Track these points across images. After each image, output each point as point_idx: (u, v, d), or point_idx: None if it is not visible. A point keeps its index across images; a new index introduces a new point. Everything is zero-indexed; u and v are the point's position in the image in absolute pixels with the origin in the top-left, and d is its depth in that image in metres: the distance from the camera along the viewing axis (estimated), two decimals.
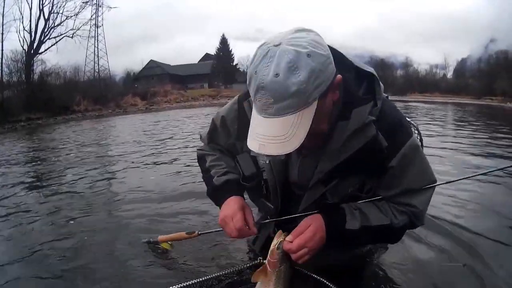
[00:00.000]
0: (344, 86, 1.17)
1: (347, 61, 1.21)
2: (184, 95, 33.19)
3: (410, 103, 19.63)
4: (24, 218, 2.64)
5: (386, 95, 1.32)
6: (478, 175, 1.72)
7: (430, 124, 9.57)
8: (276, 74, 0.94)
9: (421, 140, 1.93)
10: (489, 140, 6.72)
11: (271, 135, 1.01)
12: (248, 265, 1.44)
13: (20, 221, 2.59)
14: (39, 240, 2.16)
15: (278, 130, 1.00)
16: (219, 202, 1.44)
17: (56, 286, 1.71)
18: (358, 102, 1.17)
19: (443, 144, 5.97)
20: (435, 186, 1.31)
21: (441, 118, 12.12)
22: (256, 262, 1.24)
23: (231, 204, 1.38)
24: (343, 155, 1.20)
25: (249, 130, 1.07)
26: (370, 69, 1.22)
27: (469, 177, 1.66)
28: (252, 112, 1.07)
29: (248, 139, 1.06)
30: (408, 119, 1.73)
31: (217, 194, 1.47)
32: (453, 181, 1.58)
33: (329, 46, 1.11)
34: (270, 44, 0.98)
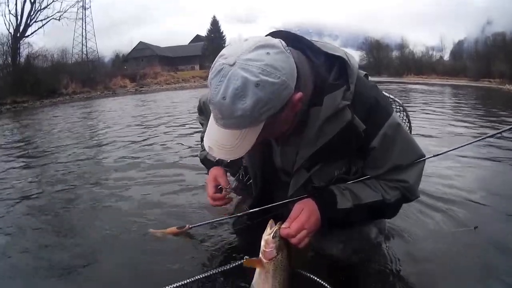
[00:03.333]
0: (314, 72, 1.19)
1: (315, 48, 1.21)
2: (174, 77, 32.69)
3: (408, 85, 19.73)
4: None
5: (365, 73, 1.33)
6: (464, 145, 1.72)
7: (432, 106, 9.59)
8: (224, 97, 0.97)
9: (407, 116, 1.95)
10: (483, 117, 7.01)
11: (219, 143, 1.08)
12: (235, 264, 1.38)
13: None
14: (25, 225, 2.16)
15: (225, 140, 1.06)
16: (207, 170, 1.67)
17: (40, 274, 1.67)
18: (329, 89, 1.17)
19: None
20: (423, 160, 1.31)
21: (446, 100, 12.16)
22: (242, 261, 1.21)
23: (208, 180, 1.57)
24: (320, 141, 1.21)
25: (207, 129, 1.14)
26: (340, 53, 1.21)
27: (456, 148, 1.67)
28: None
29: (204, 136, 1.14)
30: (392, 97, 1.83)
31: (205, 163, 1.70)
32: (441, 154, 1.57)
33: (296, 35, 1.21)
34: (226, 60, 0.99)
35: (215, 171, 1.60)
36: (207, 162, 1.68)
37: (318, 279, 1.26)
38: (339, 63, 1.21)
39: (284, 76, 1.01)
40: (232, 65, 0.97)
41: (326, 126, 1.18)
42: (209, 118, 1.48)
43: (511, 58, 24.94)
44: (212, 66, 1.03)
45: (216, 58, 1.03)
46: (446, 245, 1.81)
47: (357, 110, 1.19)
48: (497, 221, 2.08)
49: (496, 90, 18.43)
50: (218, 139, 1.09)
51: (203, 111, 1.70)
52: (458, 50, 39.44)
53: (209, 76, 1.04)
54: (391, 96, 1.80)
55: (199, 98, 1.71)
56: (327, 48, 1.22)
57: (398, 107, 1.92)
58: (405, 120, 1.94)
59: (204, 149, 1.52)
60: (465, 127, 5.93)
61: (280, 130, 1.20)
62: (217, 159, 1.56)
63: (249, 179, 1.54)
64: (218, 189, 1.53)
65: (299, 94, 1.07)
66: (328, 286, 1.23)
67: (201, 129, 1.80)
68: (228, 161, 1.48)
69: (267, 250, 1.14)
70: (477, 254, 1.70)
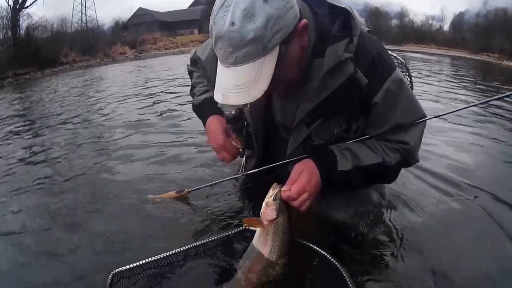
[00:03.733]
0: (317, 22, 1.16)
1: None
2: (173, 42, 32.04)
3: (407, 53, 19.28)
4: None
5: (368, 29, 1.29)
6: (465, 108, 1.74)
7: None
8: (232, 23, 0.93)
9: (409, 76, 1.89)
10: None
11: (232, 85, 1.00)
12: (236, 230, 1.38)
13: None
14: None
15: (239, 79, 0.98)
16: (201, 119, 1.56)
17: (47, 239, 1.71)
18: (331, 40, 1.13)
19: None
20: (425, 120, 1.27)
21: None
22: (242, 228, 1.22)
23: (215, 129, 1.44)
24: (322, 93, 1.16)
25: (216, 82, 1.06)
26: (345, 5, 1.16)
27: (458, 110, 1.67)
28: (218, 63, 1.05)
29: (215, 91, 1.05)
30: (394, 54, 1.72)
31: (198, 112, 1.59)
32: (442, 115, 1.53)
33: None
34: None
35: (220, 120, 1.48)
36: (205, 108, 1.55)
37: (319, 249, 1.22)
38: (343, 15, 1.16)
39: None
40: None
41: (328, 79, 1.14)
42: (202, 72, 1.56)
43: (511, 34, 24.14)
44: (214, 4, 1.00)
45: (216, 1, 1.00)
46: (446, 213, 1.83)
47: (360, 63, 1.14)
48: (497, 191, 2.07)
49: (495, 65, 18.03)
50: (229, 82, 1.01)
51: (197, 63, 1.61)
52: (459, 21, 37.93)
53: (211, 15, 1.00)
54: (393, 54, 1.73)
55: (195, 50, 1.62)
56: (331, 0, 1.18)
57: (400, 65, 1.79)
58: (407, 78, 1.85)
59: (197, 95, 1.59)
60: (466, 94, 6.09)
61: (291, 75, 1.15)
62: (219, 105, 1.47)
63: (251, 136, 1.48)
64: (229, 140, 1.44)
65: (304, 21, 1.04)
66: (327, 255, 1.19)
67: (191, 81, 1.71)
68: (235, 115, 1.42)
69: (267, 212, 1.12)
70: (475, 223, 1.74)
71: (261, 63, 0.97)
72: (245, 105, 1.17)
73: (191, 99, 1.68)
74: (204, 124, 1.53)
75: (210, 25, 1.01)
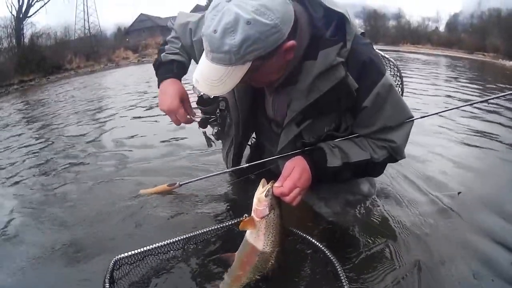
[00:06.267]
0: (311, 25, 1.18)
1: (315, 0, 1.21)
2: None
3: (405, 54, 19.44)
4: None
5: (362, 31, 1.33)
6: (453, 109, 1.81)
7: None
8: (215, 31, 1.00)
9: (400, 76, 1.92)
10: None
11: (205, 76, 1.09)
12: (233, 221, 1.43)
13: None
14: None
15: (211, 75, 1.07)
16: (159, 77, 1.56)
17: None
18: (324, 44, 1.16)
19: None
20: (412, 121, 1.33)
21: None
22: (241, 219, 1.21)
23: (169, 92, 1.46)
24: (312, 95, 1.20)
25: (198, 65, 1.14)
26: (341, 9, 1.18)
27: (444, 111, 1.76)
28: None
29: (194, 72, 1.14)
30: (386, 56, 1.80)
31: (159, 69, 1.58)
32: (428, 115, 1.59)
33: None
34: None
35: (177, 86, 1.51)
36: (167, 69, 1.56)
37: (310, 238, 1.28)
38: (338, 18, 1.19)
39: (277, 20, 1.01)
40: (228, 1, 0.99)
41: (319, 81, 1.18)
42: (183, 41, 1.59)
43: (505, 33, 24.11)
44: (212, 1, 1.06)
45: None
46: (431, 209, 1.89)
47: (351, 67, 1.18)
48: (480, 187, 2.20)
49: (491, 64, 18.15)
50: (204, 72, 1.09)
51: (184, 35, 1.61)
52: (454, 22, 38.25)
53: (208, 8, 1.06)
54: (386, 56, 1.80)
55: (188, 21, 1.62)
56: (328, 3, 1.20)
57: (391, 66, 1.88)
58: (398, 79, 1.91)
59: (166, 52, 1.59)
60: (457, 92, 6.17)
61: (269, 78, 1.21)
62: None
63: (225, 122, 1.53)
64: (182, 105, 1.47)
65: (291, 42, 1.08)
66: (319, 245, 1.25)
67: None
68: (208, 97, 1.47)
69: (259, 208, 1.14)
70: (459, 219, 1.79)
71: (231, 70, 1.05)
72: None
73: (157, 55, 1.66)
74: (159, 84, 1.54)
75: (204, 16, 1.09)
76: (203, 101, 1.49)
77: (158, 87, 1.54)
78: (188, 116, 1.48)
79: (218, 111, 1.49)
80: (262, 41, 1.00)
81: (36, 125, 5.04)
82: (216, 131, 1.60)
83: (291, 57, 1.13)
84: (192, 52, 1.61)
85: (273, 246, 1.15)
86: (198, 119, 1.52)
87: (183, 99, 1.49)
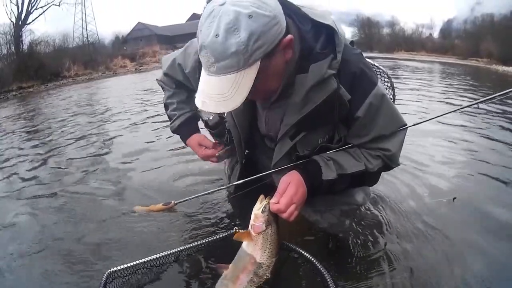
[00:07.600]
0: (301, 38, 1.16)
1: (301, 13, 1.18)
2: None
3: (399, 61, 19.38)
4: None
5: (351, 40, 1.32)
6: (445, 114, 1.69)
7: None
8: (216, 35, 0.94)
9: (391, 85, 1.90)
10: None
11: (213, 93, 1.01)
12: (225, 234, 1.40)
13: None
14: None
15: (219, 88, 1.00)
16: (182, 140, 1.71)
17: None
18: (315, 57, 1.15)
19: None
20: (406, 128, 1.32)
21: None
22: (233, 231, 1.21)
23: (193, 144, 1.64)
24: (305, 108, 1.19)
25: (198, 87, 1.07)
26: (329, 22, 1.17)
27: (435, 117, 1.65)
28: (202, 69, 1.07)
29: (196, 96, 1.07)
30: (377, 64, 1.79)
31: (178, 134, 1.72)
32: (421, 122, 1.59)
33: (284, 0, 1.11)
34: (215, 2, 0.97)
35: (197, 137, 1.62)
36: (184, 129, 1.67)
37: (305, 253, 1.25)
38: (326, 31, 1.18)
39: (275, 11, 0.99)
40: (222, 4, 0.96)
41: (311, 94, 1.16)
42: (179, 82, 1.59)
43: (499, 38, 24.49)
44: (202, 11, 1.01)
45: (205, 7, 1.01)
46: (427, 213, 1.87)
47: (343, 79, 1.17)
48: (476, 193, 2.17)
49: (485, 69, 18.14)
50: (210, 90, 1.02)
51: (175, 72, 1.60)
52: (447, 28, 38.96)
53: (199, 22, 1.01)
54: (376, 64, 1.79)
55: (174, 57, 1.60)
56: (314, 15, 1.18)
57: (383, 75, 1.86)
58: (390, 88, 1.89)
59: (174, 119, 1.66)
60: (450, 97, 6.18)
61: (270, 86, 1.16)
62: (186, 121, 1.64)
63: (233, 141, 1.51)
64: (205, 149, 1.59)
65: (289, 36, 1.05)
66: (314, 260, 1.22)
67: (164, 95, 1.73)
68: (214, 121, 1.47)
69: (256, 224, 1.14)
70: (455, 225, 1.78)
71: (241, 75, 0.98)
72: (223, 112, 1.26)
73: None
74: (185, 143, 1.70)
75: (197, 32, 1.03)
76: (210, 125, 1.52)
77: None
78: (216, 154, 1.58)
79: (226, 131, 1.50)
80: (266, 35, 0.96)
81: (37, 135, 5.01)
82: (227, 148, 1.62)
83: (290, 56, 1.10)
84: (189, 84, 1.61)
85: (269, 260, 1.15)
86: (222, 152, 1.60)
87: (201, 143, 1.62)
